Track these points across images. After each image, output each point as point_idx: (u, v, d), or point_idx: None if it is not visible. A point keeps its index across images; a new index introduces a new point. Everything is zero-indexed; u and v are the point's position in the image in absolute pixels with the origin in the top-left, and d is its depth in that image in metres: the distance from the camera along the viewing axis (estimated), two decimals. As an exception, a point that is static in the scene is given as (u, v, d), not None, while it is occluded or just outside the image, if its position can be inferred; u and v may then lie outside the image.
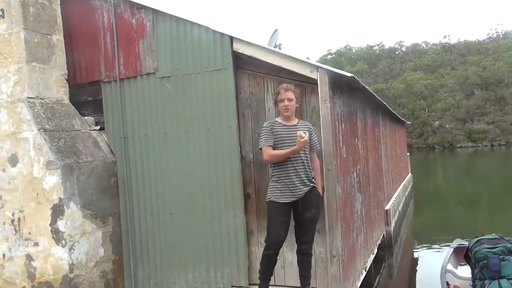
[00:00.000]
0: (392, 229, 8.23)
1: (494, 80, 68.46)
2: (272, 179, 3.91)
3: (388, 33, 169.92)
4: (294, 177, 3.80)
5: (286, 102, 3.88)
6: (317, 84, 4.15)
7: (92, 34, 5.17)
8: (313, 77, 4.17)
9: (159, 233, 4.90)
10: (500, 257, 3.98)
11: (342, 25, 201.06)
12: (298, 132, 3.71)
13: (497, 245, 4.08)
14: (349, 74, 4.23)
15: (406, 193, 13.55)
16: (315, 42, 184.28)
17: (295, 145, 3.74)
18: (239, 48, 4.52)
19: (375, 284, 6.26)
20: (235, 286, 4.54)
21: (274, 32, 6.28)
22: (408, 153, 19.39)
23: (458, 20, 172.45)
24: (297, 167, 3.82)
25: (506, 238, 4.28)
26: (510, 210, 13.33)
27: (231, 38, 4.54)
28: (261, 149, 3.92)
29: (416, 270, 7.34)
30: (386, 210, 8.14)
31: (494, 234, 4.38)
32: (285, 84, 3.97)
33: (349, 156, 4.97)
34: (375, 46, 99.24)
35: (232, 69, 4.54)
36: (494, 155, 46.59)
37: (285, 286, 4.41)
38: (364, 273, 5.41)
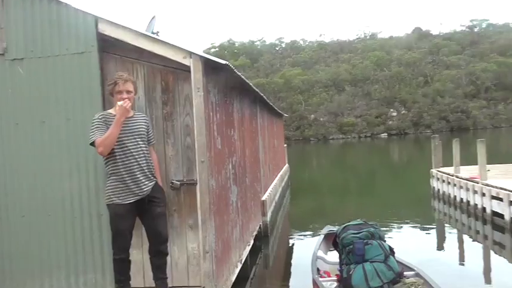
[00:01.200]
0: (268, 219, 8.38)
1: (362, 77, 75.33)
2: (111, 177, 3.58)
3: (269, 29, 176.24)
4: (137, 172, 3.56)
5: (124, 95, 3.61)
6: (190, 72, 3.93)
7: None
8: (186, 63, 3.95)
9: (10, 238, 4.26)
10: (364, 241, 4.19)
11: (226, 19, 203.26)
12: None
13: (362, 230, 4.30)
14: (223, 61, 4.08)
15: (283, 183, 14.08)
16: (199, 35, 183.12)
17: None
18: (105, 29, 4.12)
19: (251, 276, 6.27)
20: (100, 292, 4.14)
21: (152, 19, 5.93)
22: (285, 145, 20.27)
23: (332, 20, 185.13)
24: (140, 162, 3.59)
25: (370, 223, 4.54)
26: (374, 195, 14.75)
27: (96, 18, 4.11)
28: (92, 144, 3.57)
29: (292, 258, 7.57)
30: (263, 200, 8.26)
31: (359, 220, 4.62)
32: (124, 74, 3.71)
33: (224, 148, 4.85)
34: (257, 41, 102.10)
35: (97, 52, 4.14)
36: (361, 145, 51.32)
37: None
38: (240, 266, 5.36)
